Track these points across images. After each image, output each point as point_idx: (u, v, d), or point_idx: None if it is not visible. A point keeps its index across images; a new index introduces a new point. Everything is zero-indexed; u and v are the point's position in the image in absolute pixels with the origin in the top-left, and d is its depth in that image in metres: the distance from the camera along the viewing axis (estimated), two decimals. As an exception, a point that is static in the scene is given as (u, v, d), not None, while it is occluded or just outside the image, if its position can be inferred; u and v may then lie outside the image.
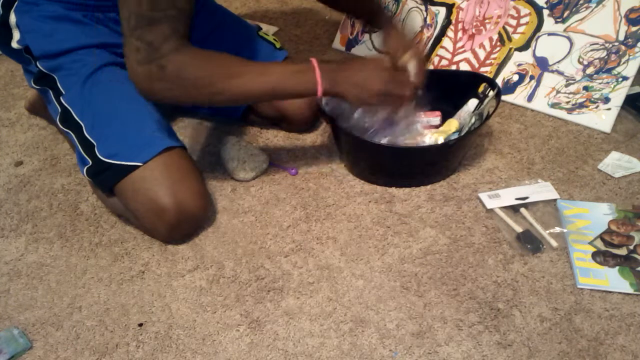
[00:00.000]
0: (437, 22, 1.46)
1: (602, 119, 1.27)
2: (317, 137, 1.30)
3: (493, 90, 1.16)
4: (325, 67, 1.00)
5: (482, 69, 1.39)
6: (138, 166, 0.99)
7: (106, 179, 1.03)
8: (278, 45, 1.30)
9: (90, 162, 1.03)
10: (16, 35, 1.08)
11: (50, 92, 1.08)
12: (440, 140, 1.13)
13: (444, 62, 1.44)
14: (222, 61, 0.98)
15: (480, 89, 1.25)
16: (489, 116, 1.12)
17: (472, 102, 1.18)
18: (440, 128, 1.17)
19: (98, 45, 1.07)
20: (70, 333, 0.93)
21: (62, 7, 1.04)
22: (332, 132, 1.24)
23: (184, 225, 1.04)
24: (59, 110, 1.07)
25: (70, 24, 1.05)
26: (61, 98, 1.06)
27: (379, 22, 1.19)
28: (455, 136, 1.14)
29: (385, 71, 1.04)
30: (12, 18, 1.06)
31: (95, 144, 1.02)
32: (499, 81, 1.37)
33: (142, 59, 0.93)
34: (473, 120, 1.16)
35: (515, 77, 1.36)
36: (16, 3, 1.06)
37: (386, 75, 1.03)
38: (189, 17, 0.94)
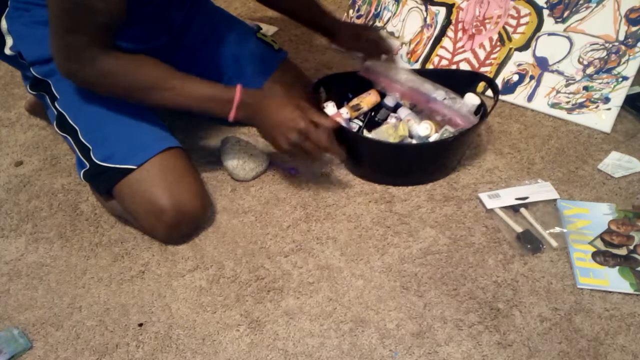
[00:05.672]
0: (437, 22, 1.46)
1: (602, 119, 1.27)
2: (317, 137, 1.30)
3: (492, 90, 1.16)
4: (244, 102, 1.00)
5: (482, 69, 1.39)
6: (133, 169, 0.99)
7: (102, 182, 1.03)
8: (276, 46, 1.30)
9: (88, 166, 1.03)
10: (9, 41, 1.07)
11: (47, 97, 1.08)
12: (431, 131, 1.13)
13: (444, 62, 1.44)
14: (144, 74, 0.98)
15: (480, 88, 1.25)
16: (486, 114, 1.12)
17: (469, 97, 1.17)
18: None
19: None
20: (70, 333, 0.93)
21: None
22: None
23: (183, 226, 1.04)
24: (55, 114, 1.06)
25: None
26: (56, 103, 1.06)
27: (325, 24, 1.22)
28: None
29: (300, 122, 0.99)
30: (4, 24, 1.06)
31: (90, 147, 1.02)
32: (499, 81, 1.37)
33: (65, 57, 0.94)
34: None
35: (515, 77, 1.36)
36: (7, 9, 1.05)
37: (300, 127, 0.99)
38: (112, 30, 0.94)
